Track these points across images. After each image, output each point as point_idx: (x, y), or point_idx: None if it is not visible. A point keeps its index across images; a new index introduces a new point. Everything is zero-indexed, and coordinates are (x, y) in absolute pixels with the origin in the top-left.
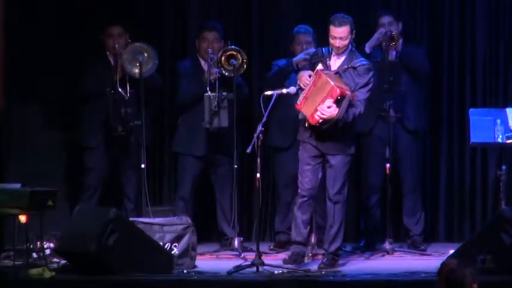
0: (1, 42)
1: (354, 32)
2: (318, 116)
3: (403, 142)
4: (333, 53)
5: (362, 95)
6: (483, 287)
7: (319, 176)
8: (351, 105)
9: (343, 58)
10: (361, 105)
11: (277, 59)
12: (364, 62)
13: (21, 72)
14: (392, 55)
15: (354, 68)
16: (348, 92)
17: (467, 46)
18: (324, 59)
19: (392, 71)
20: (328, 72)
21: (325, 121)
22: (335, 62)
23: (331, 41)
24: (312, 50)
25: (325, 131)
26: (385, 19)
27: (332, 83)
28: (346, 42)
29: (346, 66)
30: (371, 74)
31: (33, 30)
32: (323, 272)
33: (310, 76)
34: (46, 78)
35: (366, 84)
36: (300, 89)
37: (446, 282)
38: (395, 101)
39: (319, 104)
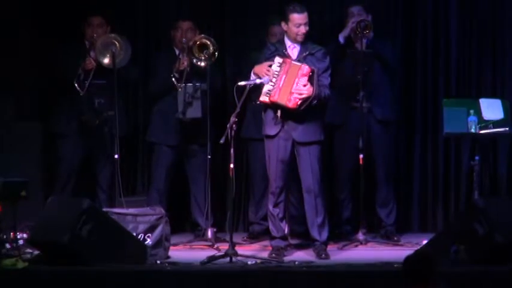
0: None
1: None
2: (297, 98)
3: (374, 132)
4: (289, 43)
5: (326, 80)
6: (456, 277)
7: (289, 172)
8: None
9: (298, 47)
10: (327, 89)
11: (251, 49)
12: (320, 48)
13: None
14: (364, 44)
15: (312, 54)
16: (315, 68)
17: (441, 36)
18: (280, 51)
19: (366, 62)
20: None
21: (304, 101)
22: (292, 51)
23: (296, 29)
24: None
25: (299, 117)
26: (355, 9)
27: (300, 63)
28: (308, 27)
29: (304, 54)
30: (328, 58)
31: (6, 19)
32: (296, 263)
33: (270, 66)
34: (19, 67)
35: (327, 69)
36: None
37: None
38: (368, 91)
39: (292, 87)
